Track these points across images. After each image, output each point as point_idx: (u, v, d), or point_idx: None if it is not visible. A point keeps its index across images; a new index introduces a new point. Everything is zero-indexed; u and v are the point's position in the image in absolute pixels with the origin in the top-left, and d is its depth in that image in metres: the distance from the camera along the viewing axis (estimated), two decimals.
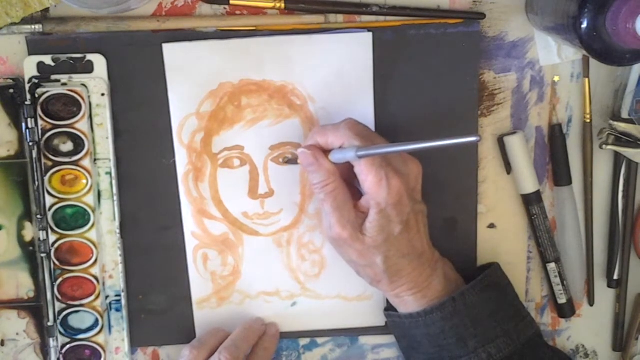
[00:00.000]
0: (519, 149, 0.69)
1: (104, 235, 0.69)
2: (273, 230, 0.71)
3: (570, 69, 0.69)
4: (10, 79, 0.66)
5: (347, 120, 0.63)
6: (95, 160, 0.68)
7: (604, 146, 0.69)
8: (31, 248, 0.69)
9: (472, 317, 0.64)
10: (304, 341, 0.74)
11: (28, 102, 0.66)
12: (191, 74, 0.67)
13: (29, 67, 0.66)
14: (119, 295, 0.70)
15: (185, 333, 0.72)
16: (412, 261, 0.64)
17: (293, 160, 0.69)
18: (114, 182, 0.68)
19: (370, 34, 0.67)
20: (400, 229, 0.62)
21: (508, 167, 0.70)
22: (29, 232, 0.69)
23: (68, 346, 0.70)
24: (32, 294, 0.70)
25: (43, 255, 0.69)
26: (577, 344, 0.75)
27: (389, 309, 0.69)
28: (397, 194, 0.61)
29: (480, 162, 0.71)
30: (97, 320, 0.70)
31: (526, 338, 0.65)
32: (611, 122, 0.69)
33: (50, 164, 0.67)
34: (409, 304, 0.65)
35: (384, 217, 0.62)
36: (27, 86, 0.66)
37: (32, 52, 0.66)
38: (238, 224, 0.70)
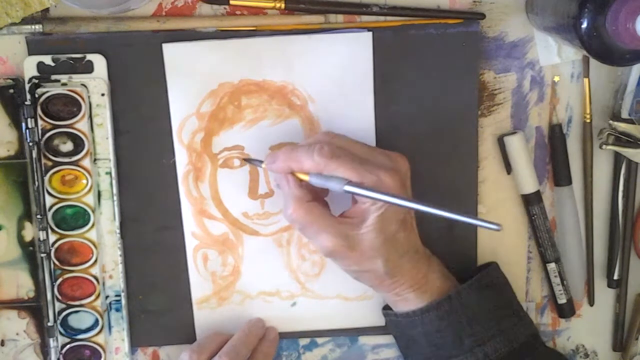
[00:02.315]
0: (519, 149, 0.69)
1: (104, 235, 0.69)
2: (273, 230, 0.71)
3: (570, 69, 0.69)
4: (10, 79, 0.66)
5: (319, 142, 0.61)
6: (95, 160, 0.68)
7: (604, 146, 0.69)
8: (31, 248, 0.69)
9: (469, 316, 0.64)
10: (304, 341, 0.74)
11: (28, 102, 0.66)
12: (191, 74, 0.67)
13: (29, 67, 0.66)
14: (119, 295, 0.70)
15: (185, 333, 0.72)
16: (411, 258, 0.64)
17: None
18: (114, 182, 0.68)
19: (370, 34, 0.67)
20: (397, 228, 0.62)
21: (508, 167, 0.70)
22: (29, 232, 0.69)
23: (68, 346, 0.70)
24: (32, 294, 0.70)
25: (43, 255, 0.68)
26: (577, 344, 0.75)
27: (387, 307, 0.69)
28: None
29: (480, 162, 0.71)
30: (97, 320, 0.70)
31: (523, 338, 0.65)
32: (611, 122, 0.68)
33: (50, 164, 0.67)
34: (409, 300, 0.65)
35: (383, 220, 0.61)
36: (27, 86, 0.66)
37: (32, 52, 0.66)
38: (238, 224, 0.70)
